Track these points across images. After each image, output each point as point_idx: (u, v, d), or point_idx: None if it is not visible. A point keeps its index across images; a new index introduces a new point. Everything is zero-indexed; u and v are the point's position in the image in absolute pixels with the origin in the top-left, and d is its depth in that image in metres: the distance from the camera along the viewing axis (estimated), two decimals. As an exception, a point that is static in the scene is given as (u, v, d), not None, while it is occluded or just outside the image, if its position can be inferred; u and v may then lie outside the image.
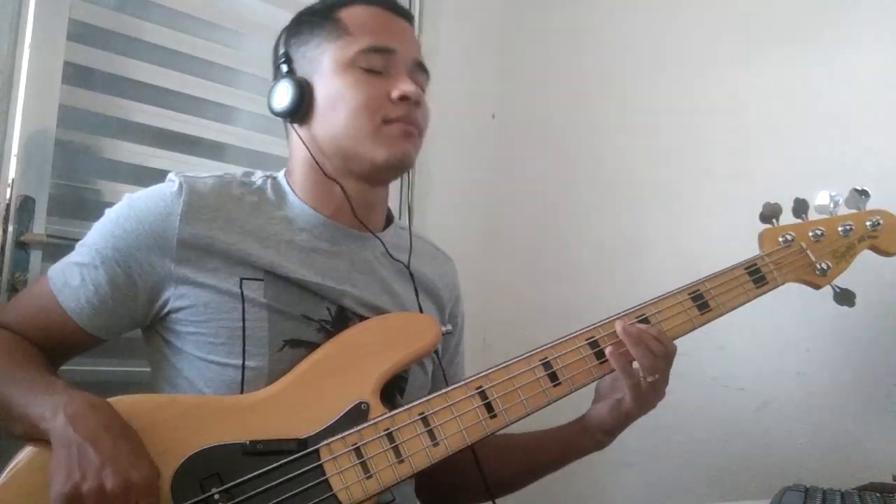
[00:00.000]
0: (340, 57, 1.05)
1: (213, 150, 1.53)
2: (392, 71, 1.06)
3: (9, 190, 1.22)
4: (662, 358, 1.03)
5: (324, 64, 1.06)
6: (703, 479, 1.54)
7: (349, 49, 1.05)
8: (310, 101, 1.06)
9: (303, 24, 1.10)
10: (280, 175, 1.12)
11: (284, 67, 1.08)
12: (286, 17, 1.61)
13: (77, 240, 1.04)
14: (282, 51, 1.10)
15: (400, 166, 1.07)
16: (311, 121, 1.07)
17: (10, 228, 1.22)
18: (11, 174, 1.22)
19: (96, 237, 1.01)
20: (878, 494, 1.03)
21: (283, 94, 1.05)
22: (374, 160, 1.05)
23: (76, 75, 1.33)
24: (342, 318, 1.04)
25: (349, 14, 1.07)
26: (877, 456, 1.35)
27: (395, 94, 1.04)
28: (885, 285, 1.36)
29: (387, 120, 1.04)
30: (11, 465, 0.87)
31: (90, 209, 1.30)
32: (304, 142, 1.07)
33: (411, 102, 1.05)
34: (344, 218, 1.08)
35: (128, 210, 1.00)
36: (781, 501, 0.99)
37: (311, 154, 1.07)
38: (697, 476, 1.55)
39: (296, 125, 1.08)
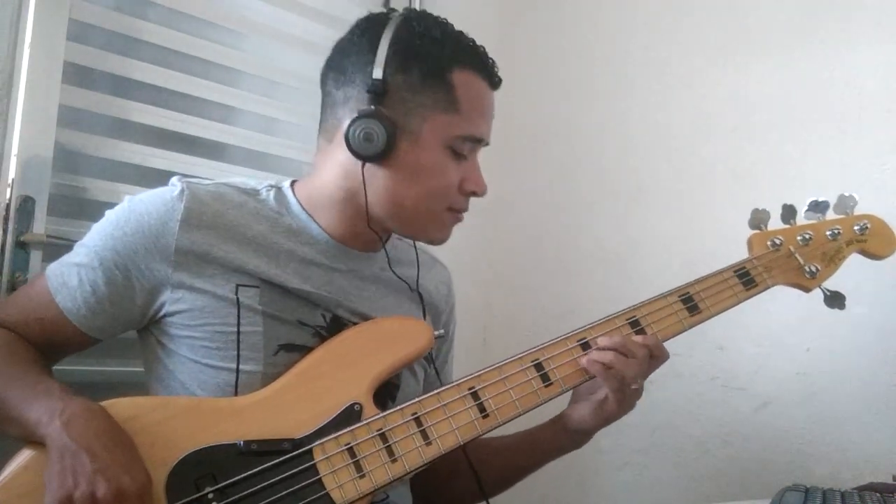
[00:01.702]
0: (441, 133, 1.01)
1: (213, 150, 1.53)
2: (471, 157, 1.06)
3: (9, 190, 1.22)
4: (651, 367, 1.04)
5: (422, 128, 1.01)
6: (703, 479, 1.54)
7: (452, 129, 1.02)
8: (391, 150, 0.99)
9: (413, 67, 1.00)
10: (285, 185, 1.10)
11: (369, 97, 0.99)
12: (286, 18, 1.64)
13: (77, 240, 1.04)
14: (377, 74, 0.99)
15: (437, 245, 1.10)
16: (381, 169, 1.01)
17: (10, 228, 1.21)
18: (11, 174, 1.22)
19: (96, 238, 1.01)
20: (878, 494, 1.03)
21: (372, 138, 0.98)
22: (417, 236, 1.09)
23: (76, 75, 1.32)
24: (337, 325, 1.05)
25: (462, 82, 1.02)
26: (877, 456, 1.35)
27: (469, 188, 1.05)
28: (886, 286, 1.36)
29: (450, 209, 1.06)
30: (9, 466, 0.88)
31: (90, 209, 1.30)
32: (364, 184, 1.01)
33: (476, 195, 1.07)
34: (350, 242, 1.08)
35: (128, 213, 1.00)
36: (781, 501, 0.99)
37: (365, 198, 1.02)
38: (697, 476, 1.55)
39: (366, 164, 1.01)
